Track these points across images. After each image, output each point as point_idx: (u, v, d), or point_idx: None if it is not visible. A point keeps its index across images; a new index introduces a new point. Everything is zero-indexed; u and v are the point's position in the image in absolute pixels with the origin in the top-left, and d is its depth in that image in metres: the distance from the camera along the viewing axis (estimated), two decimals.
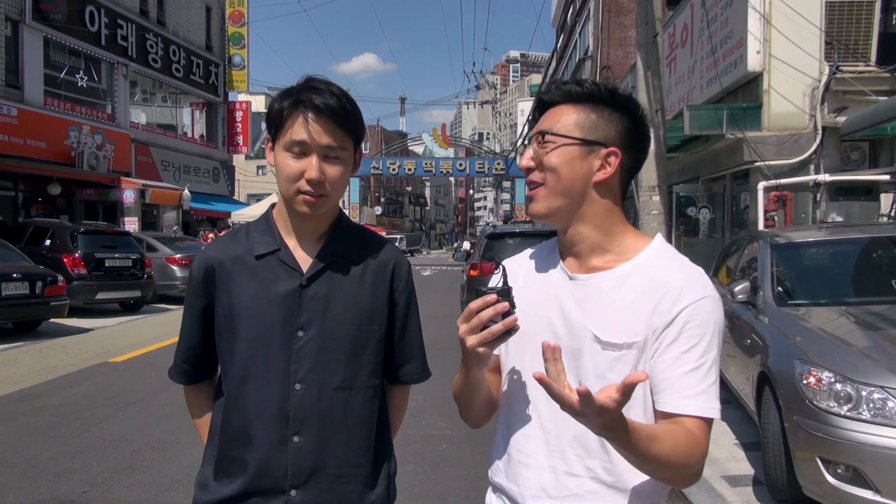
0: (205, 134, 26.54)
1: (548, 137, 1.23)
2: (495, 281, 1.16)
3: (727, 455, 4.64)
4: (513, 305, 1.11)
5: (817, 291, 4.90)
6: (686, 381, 1.14)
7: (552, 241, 1.37)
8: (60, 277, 10.15)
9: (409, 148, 72.69)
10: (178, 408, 5.98)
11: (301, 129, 1.34)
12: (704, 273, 1.24)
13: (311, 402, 1.38)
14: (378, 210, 64.15)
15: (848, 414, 3.30)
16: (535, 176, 1.25)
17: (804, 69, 8.66)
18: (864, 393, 3.31)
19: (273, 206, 1.50)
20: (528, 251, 1.40)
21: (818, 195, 8.69)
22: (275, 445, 1.37)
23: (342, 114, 1.36)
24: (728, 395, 5.85)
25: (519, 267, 1.35)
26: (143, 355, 8.50)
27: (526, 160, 1.26)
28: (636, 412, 1.17)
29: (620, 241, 1.26)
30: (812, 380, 3.49)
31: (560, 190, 1.23)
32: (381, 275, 1.48)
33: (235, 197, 30.68)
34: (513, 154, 36.35)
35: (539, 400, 1.23)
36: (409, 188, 75.03)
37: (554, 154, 1.22)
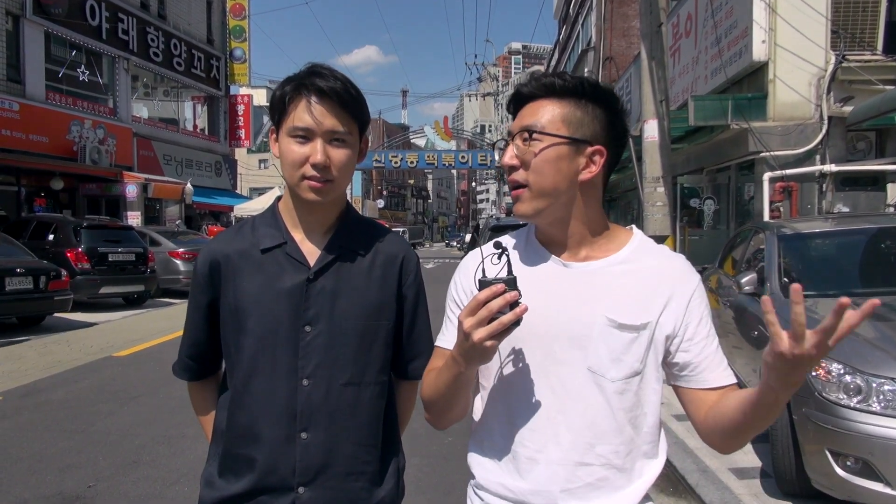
0: (206, 128, 26.50)
1: (535, 135, 1.18)
2: (496, 270, 1.10)
3: None
4: (520, 294, 1.07)
5: (825, 282, 4.86)
6: (719, 357, 1.25)
7: (523, 231, 1.34)
8: (64, 272, 10.14)
9: (411, 141, 72.51)
10: (182, 402, 5.97)
11: (304, 113, 1.31)
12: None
13: (319, 399, 1.35)
14: (381, 203, 64.09)
15: (858, 406, 3.27)
16: (519, 175, 1.20)
17: (810, 58, 8.59)
18: (874, 385, 3.28)
19: (279, 199, 1.47)
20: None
21: (824, 186, 8.64)
22: (282, 442, 1.35)
23: (347, 97, 1.33)
24: None
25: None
26: (147, 350, 8.51)
27: (509, 157, 1.21)
28: (649, 380, 1.24)
29: (604, 232, 1.28)
30: (821, 371, 3.46)
31: (546, 191, 1.20)
32: (390, 268, 1.45)
33: (238, 191, 30.64)
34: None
35: (545, 391, 1.21)
36: (412, 181, 74.95)
37: (542, 154, 1.18)
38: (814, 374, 3.47)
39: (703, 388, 1.23)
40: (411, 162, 36.26)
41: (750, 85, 9.37)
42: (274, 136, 1.38)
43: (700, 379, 1.23)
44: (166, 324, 10.72)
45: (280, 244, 1.38)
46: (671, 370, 1.27)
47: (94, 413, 5.65)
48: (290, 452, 1.35)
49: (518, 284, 1.07)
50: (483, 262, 1.09)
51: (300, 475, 1.35)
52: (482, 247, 1.19)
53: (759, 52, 8.63)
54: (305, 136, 1.31)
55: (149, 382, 6.70)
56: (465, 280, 1.33)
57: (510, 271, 1.08)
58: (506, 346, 1.22)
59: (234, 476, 1.38)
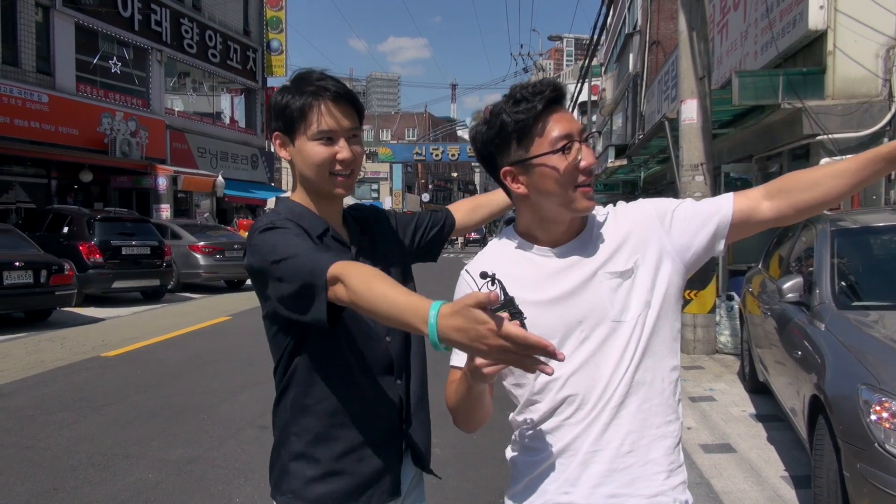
0: (243, 120, 26.31)
1: (588, 139, 1.32)
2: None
3: (770, 494, 3.71)
4: (521, 315, 1.07)
5: (893, 290, 3.88)
6: (709, 200, 1.38)
7: (499, 243, 1.42)
8: (67, 266, 9.79)
9: (459, 134, 71.62)
10: (143, 412, 5.40)
11: (326, 117, 1.43)
12: None
13: (400, 349, 1.53)
14: (426, 197, 63.33)
15: None
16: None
17: (877, 25, 7.42)
18: None
19: (286, 198, 1.56)
20: (483, 259, 1.40)
21: (893, 173, 7.46)
22: (385, 389, 1.50)
23: (353, 96, 1.48)
24: (776, 409, 4.90)
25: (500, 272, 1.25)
26: (138, 350, 8.01)
27: (594, 157, 1.31)
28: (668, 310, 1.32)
29: None
30: (884, 414, 2.56)
31: None
32: (388, 224, 1.68)
33: (282, 185, 30.36)
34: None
35: (580, 387, 1.27)
36: (455, 174, 73.92)
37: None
38: (872, 417, 2.57)
39: (734, 215, 1.33)
40: (452, 155, 35.52)
41: (805, 59, 8.24)
42: (279, 141, 1.50)
43: (724, 216, 1.33)
44: (173, 321, 10.28)
45: (326, 230, 1.50)
46: (715, 238, 1.34)
47: (49, 424, 5.12)
48: (392, 399, 1.50)
49: (518, 304, 1.09)
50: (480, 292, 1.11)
51: (405, 418, 1.53)
52: (470, 271, 1.36)
53: (816, 19, 7.50)
54: (330, 137, 1.44)
55: (121, 389, 6.15)
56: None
57: (506, 294, 1.09)
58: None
59: (344, 430, 1.47)
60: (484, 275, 1.14)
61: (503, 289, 1.11)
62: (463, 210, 1.89)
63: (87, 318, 10.60)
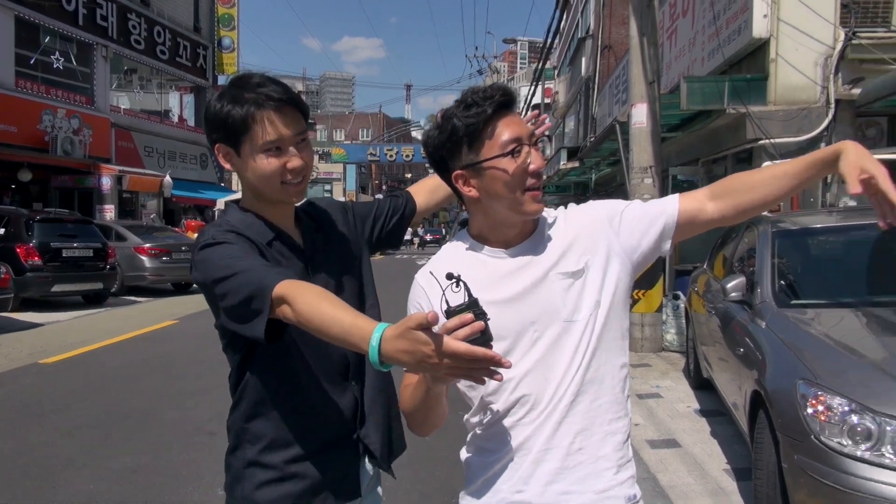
0: (193, 119, 25.72)
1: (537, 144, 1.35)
2: (458, 298, 1.10)
3: (713, 486, 3.82)
4: (485, 315, 1.07)
5: (829, 289, 4.04)
6: (654, 201, 1.43)
7: (452, 246, 1.43)
8: (3, 269, 9.39)
9: (413, 135, 71.53)
10: (87, 421, 5.21)
11: (272, 128, 1.38)
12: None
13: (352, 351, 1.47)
14: (380, 197, 63.17)
15: (868, 457, 2.47)
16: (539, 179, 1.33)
17: (817, 35, 7.73)
18: (888, 428, 2.49)
19: (234, 203, 1.52)
20: (437, 262, 1.41)
21: (829, 177, 7.78)
22: (340, 393, 1.48)
23: (296, 99, 1.42)
24: (719, 404, 5.04)
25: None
26: (79, 356, 7.73)
27: (543, 161, 1.34)
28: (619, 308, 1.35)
29: None
30: (820, 408, 2.66)
31: None
32: (342, 215, 1.64)
33: (234, 186, 29.82)
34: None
35: (533, 387, 1.29)
36: (409, 175, 74.02)
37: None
38: (809, 410, 2.66)
39: (680, 215, 1.37)
40: (407, 155, 35.49)
41: (749, 66, 8.52)
42: (222, 153, 1.44)
43: (670, 217, 1.37)
44: (118, 325, 9.97)
45: (274, 237, 1.46)
46: (662, 239, 1.37)
47: None
48: (346, 402, 1.49)
49: (482, 306, 1.09)
50: (444, 293, 1.13)
51: (360, 419, 1.51)
52: (432, 272, 1.34)
53: (759, 28, 7.77)
54: (279, 147, 1.39)
55: (61, 397, 5.92)
56: (421, 303, 1.38)
57: (470, 295, 1.09)
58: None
59: (298, 435, 1.45)
60: (450, 276, 1.15)
61: (468, 290, 1.10)
62: (424, 192, 1.85)
63: (25, 323, 10.16)
